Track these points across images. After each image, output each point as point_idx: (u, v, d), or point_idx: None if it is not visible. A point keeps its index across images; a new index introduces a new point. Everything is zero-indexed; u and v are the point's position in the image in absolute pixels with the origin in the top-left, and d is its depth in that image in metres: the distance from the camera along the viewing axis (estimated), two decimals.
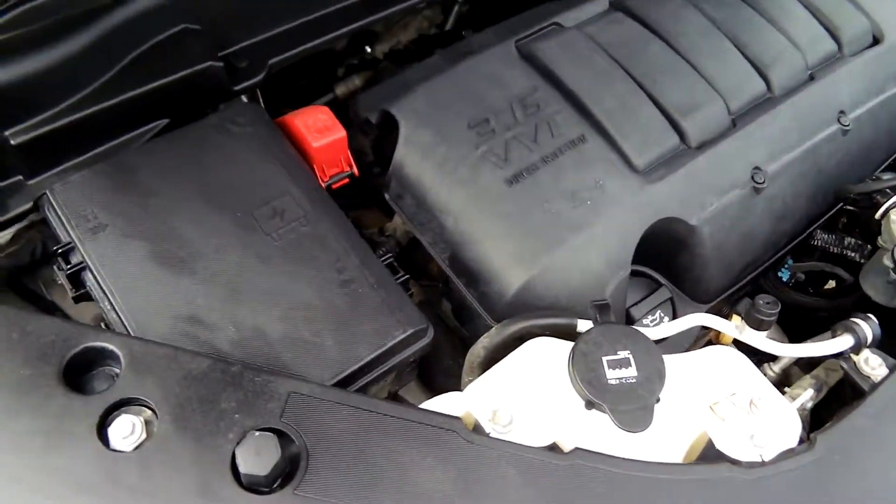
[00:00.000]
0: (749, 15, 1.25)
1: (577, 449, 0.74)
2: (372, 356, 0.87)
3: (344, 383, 0.85)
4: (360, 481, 0.68)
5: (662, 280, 1.13)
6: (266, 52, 1.13)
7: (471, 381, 0.96)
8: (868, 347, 0.90)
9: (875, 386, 0.84)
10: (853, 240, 1.33)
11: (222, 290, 0.89)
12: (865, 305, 1.22)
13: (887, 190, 1.15)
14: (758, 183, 1.13)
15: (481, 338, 0.94)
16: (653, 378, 0.80)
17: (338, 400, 0.74)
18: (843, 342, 0.89)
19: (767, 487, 0.73)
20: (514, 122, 1.08)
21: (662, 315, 1.12)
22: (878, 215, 1.15)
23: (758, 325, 0.92)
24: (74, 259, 0.92)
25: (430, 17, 1.51)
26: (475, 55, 1.16)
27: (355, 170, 1.11)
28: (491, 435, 0.78)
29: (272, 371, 0.79)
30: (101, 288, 0.88)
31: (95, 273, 0.89)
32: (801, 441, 0.81)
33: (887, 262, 1.06)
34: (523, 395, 0.82)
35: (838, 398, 0.95)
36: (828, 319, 1.36)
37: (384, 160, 1.19)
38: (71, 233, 0.91)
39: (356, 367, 0.86)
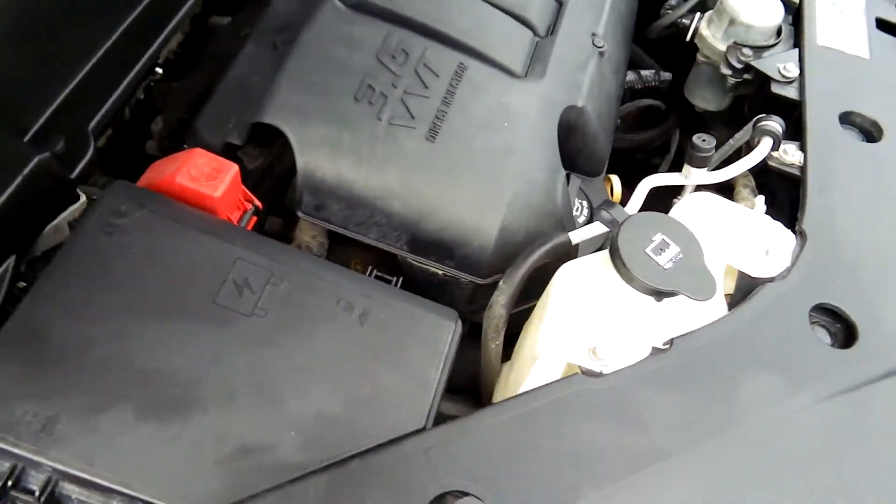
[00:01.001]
0: None
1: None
2: (442, 369, 0.79)
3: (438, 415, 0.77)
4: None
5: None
6: (76, 117, 0.89)
7: (497, 343, 0.93)
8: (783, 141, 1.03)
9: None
10: (650, 72, 1.50)
11: (247, 401, 0.73)
12: (689, 123, 1.40)
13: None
14: (599, 47, 1.20)
15: (494, 297, 0.91)
16: (692, 245, 0.84)
17: (469, 430, 0.67)
18: (767, 143, 1.02)
19: (622, 393, 0.76)
20: (395, 77, 0.99)
21: (580, 201, 1.16)
22: (689, 38, 1.29)
23: (701, 164, 1.00)
24: (37, 480, 0.67)
25: None
26: (307, 26, 1.02)
27: (258, 202, 0.95)
28: (605, 372, 0.77)
29: (377, 446, 0.69)
30: (100, 489, 0.67)
31: (80, 477, 0.66)
32: None
33: (725, 69, 1.21)
34: (592, 323, 0.81)
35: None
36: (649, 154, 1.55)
37: (269, 178, 1.04)
38: (16, 450, 0.66)
39: (435, 388, 0.78)
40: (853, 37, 1.22)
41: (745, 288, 0.89)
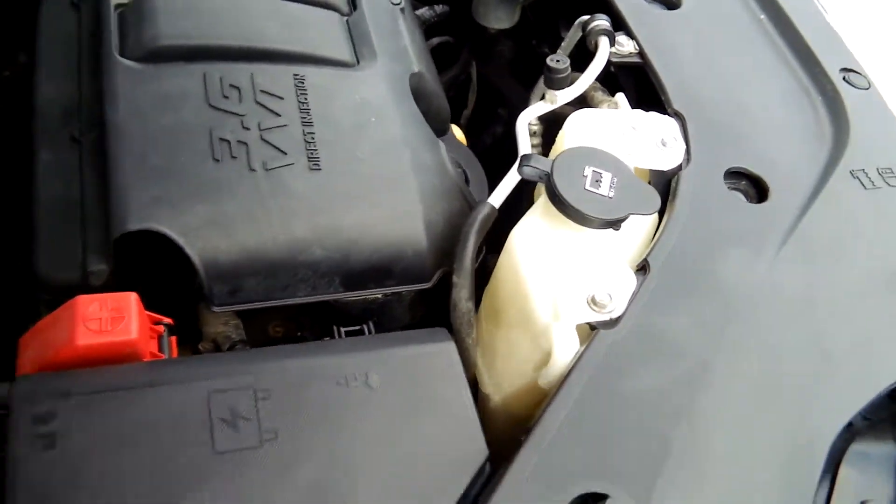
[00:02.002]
0: None
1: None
2: (467, 389, 0.75)
3: None
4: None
5: None
6: None
7: (473, 338, 0.90)
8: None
9: None
10: (425, 10, 1.47)
11: None
12: (481, 47, 1.41)
13: None
14: (397, 4, 1.15)
15: (455, 295, 0.87)
16: (619, 166, 0.86)
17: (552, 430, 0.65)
18: (605, 43, 1.05)
19: (643, 329, 0.78)
20: (241, 118, 0.87)
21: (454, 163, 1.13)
22: None
23: (561, 85, 1.02)
24: None
25: None
26: (109, 105, 0.85)
27: (166, 318, 0.80)
28: (615, 317, 0.78)
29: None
30: None
31: None
32: None
33: None
34: (573, 278, 0.81)
35: None
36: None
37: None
38: None
39: (473, 409, 0.73)
40: None
41: (661, 182, 0.93)
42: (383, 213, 0.88)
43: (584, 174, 0.84)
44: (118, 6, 0.93)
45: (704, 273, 0.83)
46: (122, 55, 0.88)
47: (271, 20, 0.95)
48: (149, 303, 0.82)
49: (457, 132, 1.23)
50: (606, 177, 0.84)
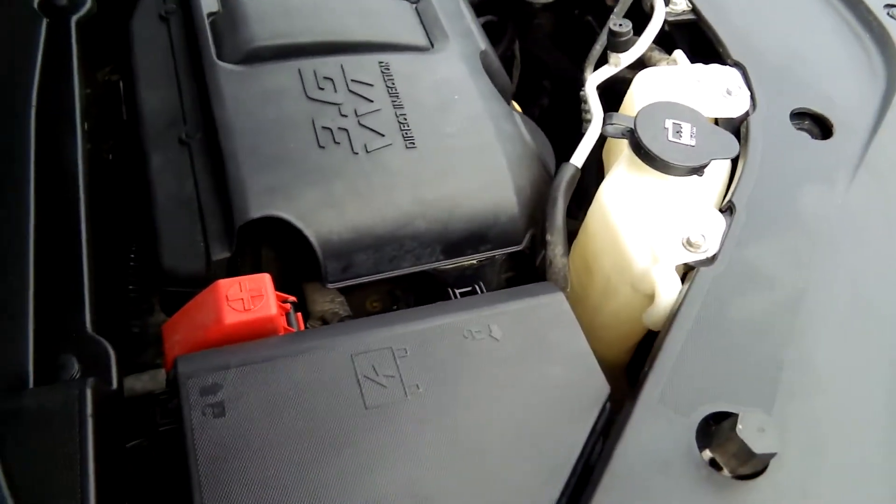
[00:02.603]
0: None
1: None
2: (580, 334, 0.80)
3: None
4: None
5: None
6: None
7: (568, 291, 0.96)
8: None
9: None
10: None
11: (478, 463, 0.70)
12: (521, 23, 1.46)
13: None
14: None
15: (550, 252, 0.93)
16: (695, 116, 0.91)
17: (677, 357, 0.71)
18: (661, 4, 1.10)
19: (740, 264, 0.82)
20: (339, 107, 0.93)
21: None
22: None
23: (625, 48, 1.07)
24: None
25: None
26: (217, 105, 0.92)
27: (291, 297, 0.87)
28: (710, 255, 0.83)
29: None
30: None
31: None
32: None
33: None
34: (665, 223, 0.86)
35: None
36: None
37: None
38: None
39: (589, 351, 0.79)
40: None
41: (730, 128, 0.98)
42: (477, 183, 0.94)
43: (665, 126, 0.89)
44: (209, 15, 1.00)
45: (785, 209, 0.88)
46: (220, 59, 0.95)
47: (351, 14, 1.01)
48: None
49: (517, 107, 1.29)
50: (686, 127, 0.89)
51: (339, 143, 0.90)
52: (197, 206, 0.90)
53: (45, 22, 0.96)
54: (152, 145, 0.95)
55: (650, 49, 1.14)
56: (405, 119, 0.94)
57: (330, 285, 0.90)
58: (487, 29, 1.54)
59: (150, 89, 1.00)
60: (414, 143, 0.93)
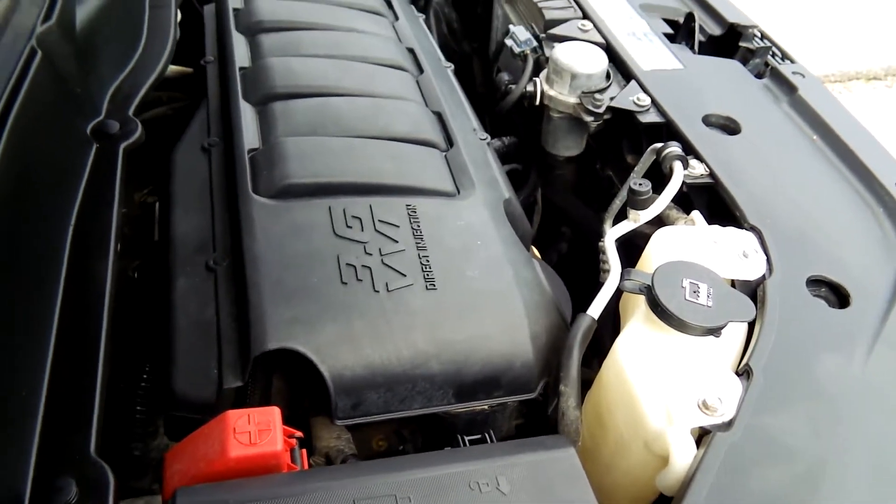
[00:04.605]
0: (342, 36, 1.29)
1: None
2: (590, 492, 0.78)
3: None
4: None
5: None
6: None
7: (579, 446, 0.94)
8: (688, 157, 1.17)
9: None
10: (495, 140, 1.60)
11: None
12: (546, 172, 1.53)
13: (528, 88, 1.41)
14: (483, 139, 1.27)
15: (563, 404, 0.91)
16: (713, 277, 0.92)
17: None
18: (679, 167, 1.14)
19: (758, 431, 0.81)
20: (364, 245, 0.96)
21: None
22: (538, 101, 1.40)
23: (643, 206, 1.10)
24: None
25: None
26: (248, 234, 0.95)
27: (297, 432, 0.85)
28: (727, 420, 0.82)
29: None
30: None
31: None
32: None
33: (587, 117, 1.34)
34: (680, 383, 0.86)
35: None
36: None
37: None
38: None
39: None
40: (662, 56, 1.42)
41: (746, 291, 0.99)
42: (494, 327, 0.94)
43: (683, 286, 0.90)
44: (250, 150, 1.05)
45: (803, 376, 0.87)
46: (255, 193, 0.99)
47: (383, 158, 1.07)
48: None
49: (534, 251, 1.32)
50: (703, 287, 0.90)
51: (361, 280, 0.92)
52: (215, 333, 0.91)
53: (94, 147, 1.01)
54: (179, 268, 0.98)
55: (669, 208, 1.18)
56: (427, 261, 0.97)
57: (339, 422, 0.89)
58: (512, 176, 1.61)
59: (184, 215, 1.04)
60: (434, 285, 0.94)
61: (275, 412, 0.80)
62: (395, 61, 1.29)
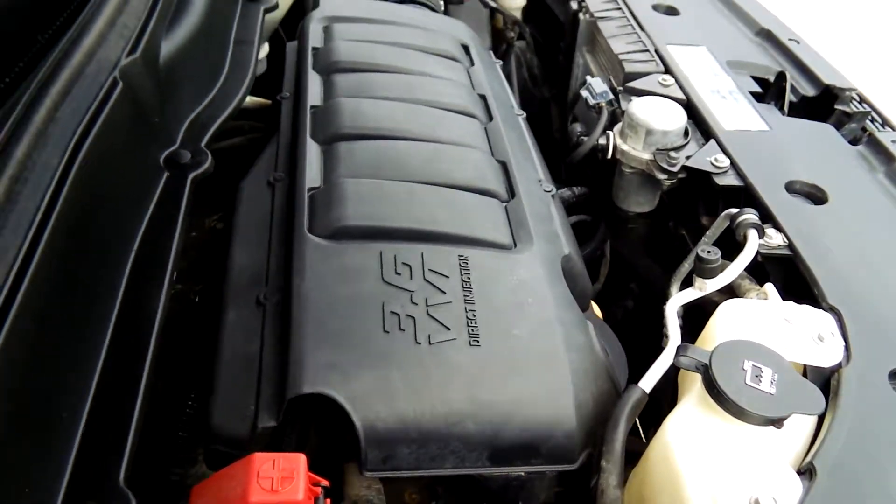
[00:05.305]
0: (414, 80, 1.30)
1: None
2: None
3: None
4: None
5: None
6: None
7: None
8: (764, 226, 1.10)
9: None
10: (565, 190, 1.56)
11: None
12: (617, 226, 1.48)
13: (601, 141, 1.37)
14: (549, 191, 1.24)
15: (603, 481, 0.86)
16: (780, 362, 0.85)
17: None
18: (754, 236, 1.08)
19: None
20: (411, 294, 0.94)
21: None
22: (610, 155, 1.36)
23: (711, 275, 1.04)
24: None
25: None
26: (297, 274, 0.95)
27: (324, 481, 0.84)
28: None
29: None
30: None
31: None
32: None
33: (660, 175, 1.29)
34: (734, 476, 0.79)
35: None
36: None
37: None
38: None
39: None
40: (746, 115, 1.35)
41: (818, 379, 0.91)
42: (536, 392, 0.90)
43: (744, 368, 0.84)
44: (311, 189, 1.06)
45: (877, 483, 0.79)
46: (310, 232, 0.99)
47: (441, 206, 1.05)
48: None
49: (596, 310, 1.27)
50: (767, 372, 0.83)
51: (403, 330, 0.90)
52: (257, 369, 0.91)
53: (165, 176, 1.04)
54: (231, 300, 0.99)
55: (741, 278, 1.11)
56: (474, 315, 0.94)
57: (368, 474, 0.87)
58: (580, 227, 1.57)
59: (242, 247, 1.05)
60: (478, 342, 0.91)
61: (300, 459, 0.78)
62: (465, 107, 1.28)
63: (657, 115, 1.31)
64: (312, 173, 1.10)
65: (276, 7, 1.50)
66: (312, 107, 1.22)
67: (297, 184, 1.08)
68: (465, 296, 0.96)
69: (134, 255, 0.93)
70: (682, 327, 1.17)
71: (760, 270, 1.13)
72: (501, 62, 1.61)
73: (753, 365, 0.84)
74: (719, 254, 1.03)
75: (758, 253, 1.08)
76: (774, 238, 1.10)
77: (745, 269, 1.09)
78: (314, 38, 1.41)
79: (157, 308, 0.89)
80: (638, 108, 1.32)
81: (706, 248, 1.03)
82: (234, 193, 1.15)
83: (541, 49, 2.13)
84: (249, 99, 1.61)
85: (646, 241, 1.57)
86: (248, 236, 1.07)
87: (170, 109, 1.10)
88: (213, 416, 0.88)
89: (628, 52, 1.50)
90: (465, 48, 1.52)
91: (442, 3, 1.93)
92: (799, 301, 1.01)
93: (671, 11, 1.70)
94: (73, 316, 0.81)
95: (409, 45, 1.39)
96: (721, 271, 1.04)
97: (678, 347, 0.88)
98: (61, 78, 0.86)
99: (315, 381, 0.85)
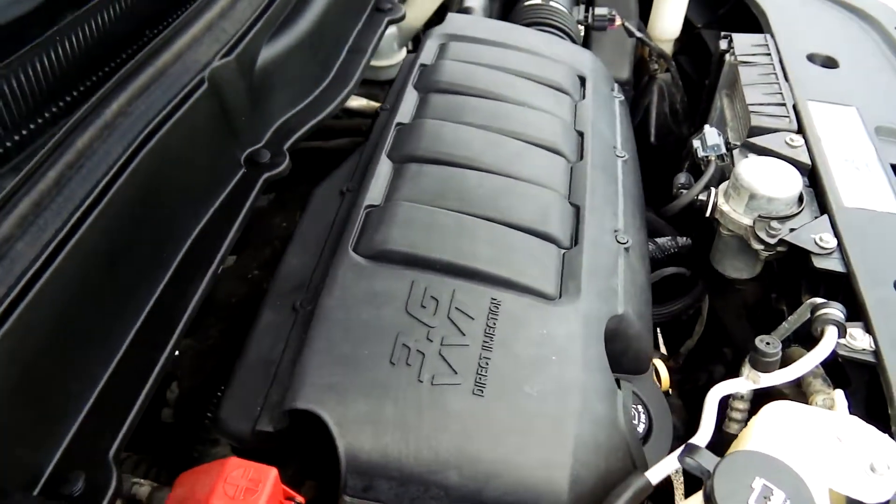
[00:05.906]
0: (508, 108, 1.27)
1: None
2: None
3: None
4: None
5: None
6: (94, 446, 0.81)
7: None
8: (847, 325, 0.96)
9: None
10: (666, 239, 1.46)
11: None
12: (718, 285, 1.35)
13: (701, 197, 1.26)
14: (624, 243, 1.16)
15: None
16: (799, 487, 0.75)
17: None
18: (832, 334, 0.95)
19: None
20: (429, 330, 0.93)
21: (635, 407, 1.07)
22: (709, 214, 1.25)
23: (766, 369, 0.93)
24: None
25: None
26: (326, 289, 0.97)
27: (299, 497, 0.86)
28: None
29: None
30: None
31: None
32: None
33: (756, 244, 1.17)
34: None
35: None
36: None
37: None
38: None
39: None
40: (878, 191, 1.19)
41: None
42: (531, 456, 0.86)
43: (752, 486, 0.74)
44: (369, 206, 1.08)
45: None
46: (355, 250, 1.01)
47: (488, 244, 1.02)
48: (296, 470, 0.90)
49: (661, 370, 1.18)
50: (779, 496, 0.73)
51: (410, 364, 0.89)
52: (273, 373, 0.94)
53: (241, 173, 1.11)
54: (271, 301, 1.03)
55: (814, 375, 0.98)
56: (487, 363, 0.91)
57: (347, 499, 0.87)
58: (675, 280, 1.46)
59: (295, 252, 1.09)
60: (482, 392, 0.88)
61: (271, 473, 0.80)
62: (552, 143, 1.23)
63: (766, 178, 1.18)
64: (377, 190, 1.11)
65: (402, 18, 1.53)
66: (399, 123, 1.24)
67: (358, 198, 1.10)
68: (484, 342, 0.93)
69: (188, 246, 1.00)
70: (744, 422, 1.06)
71: (841, 374, 0.99)
72: (622, 98, 1.53)
73: (765, 484, 0.74)
74: (780, 348, 0.92)
75: (836, 353, 0.95)
76: (859, 340, 0.96)
77: (825, 370, 0.97)
78: (427, 54, 1.42)
79: (190, 301, 0.95)
80: (746, 168, 1.20)
81: (766, 339, 0.92)
82: (308, 196, 1.19)
83: (691, 84, 2.00)
84: (370, 104, 1.67)
85: (748, 308, 1.43)
86: (306, 241, 1.11)
87: (260, 111, 1.16)
88: (222, 409, 0.93)
89: (760, 105, 1.37)
90: (582, 80, 1.46)
91: (582, 29, 1.87)
92: (872, 420, 0.87)
93: (829, 63, 1.52)
94: (108, 297, 0.88)
95: (517, 71, 1.36)
96: (775, 368, 0.92)
97: (685, 446, 0.80)
98: (143, 75, 0.94)
99: (310, 398, 0.87)
